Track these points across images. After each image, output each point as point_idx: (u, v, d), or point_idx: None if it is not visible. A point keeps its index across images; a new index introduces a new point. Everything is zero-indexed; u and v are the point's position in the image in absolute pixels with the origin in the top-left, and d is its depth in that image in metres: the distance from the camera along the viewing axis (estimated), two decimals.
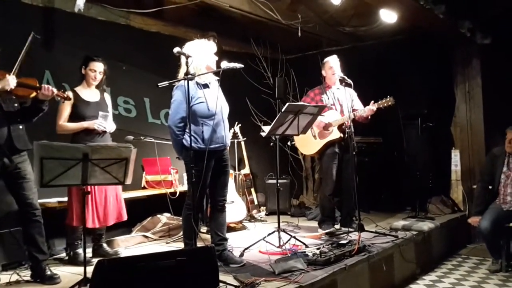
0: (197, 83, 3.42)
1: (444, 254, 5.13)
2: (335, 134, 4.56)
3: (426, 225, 4.76)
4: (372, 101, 4.48)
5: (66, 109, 3.77)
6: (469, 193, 5.77)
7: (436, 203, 5.67)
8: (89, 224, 3.73)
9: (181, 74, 3.38)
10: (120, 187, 3.97)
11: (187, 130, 3.28)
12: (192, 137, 3.20)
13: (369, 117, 4.56)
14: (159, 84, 3.14)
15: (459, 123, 6.04)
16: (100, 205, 3.81)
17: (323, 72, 4.73)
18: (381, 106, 4.46)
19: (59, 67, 4.44)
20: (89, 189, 2.70)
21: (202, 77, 3.42)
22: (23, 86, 3.19)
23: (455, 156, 5.96)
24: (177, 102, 3.37)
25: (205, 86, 3.47)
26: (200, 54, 3.41)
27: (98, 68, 3.93)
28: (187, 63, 3.17)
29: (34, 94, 3.24)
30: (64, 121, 3.75)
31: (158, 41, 5.52)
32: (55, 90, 3.29)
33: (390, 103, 4.45)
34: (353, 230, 4.48)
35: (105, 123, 3.89)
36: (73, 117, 3.79)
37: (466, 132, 5.96)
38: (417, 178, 5.60)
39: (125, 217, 4.01)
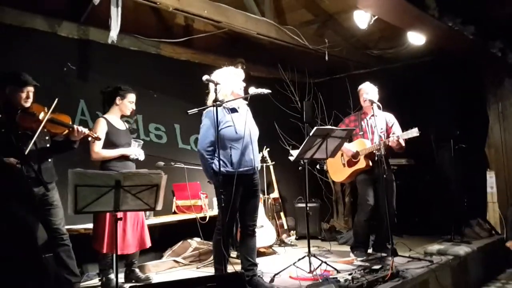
0: (225, 108, 3.48)
1: (482, 279, 4.92)
2: (361, 163, 4.52)
3: (462, 249, 4.61)
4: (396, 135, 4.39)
5: (101, 137, 3.86)
6: (506, 215, 5.57)
7: (472, 227, 5.48)
8: (120, 251, 3.78)
9: (209, 101, 3.45)
10: (143, 214, 4.04)
11: (216, 155, 3.32)
12: (221, 161, 3.24)
13: (403, 146, 4.44)
14: (189, 111, 3.22)
15: (493, 144, 5.89)
16: (129, 232, 3.85)
17: (360, 99, 4.70)
18: (406, 138, 4.37)
19: (93, 97, 4.60)
20: (120, 216, 2.74)
21: (230, 102, 3.47)
22: (57, 123, 3.34)
23: (490, 178, 5.79)
24: (205, 127, 3.43)
25: (233, 110, 3.52)
26: (228, 81, 3.48)
27: (134, 99, 4.09)
28: (215, 90, 3.24)
29: (66, 131, 3.38)
30: (100, 148, 3.85)
31: (188, 69, 5.66)
32: (86, 131, 3.44)
33: (414, 134, 4.25)
34: (386, 255, 4.38)
35: (140, 151, 4.01)
36: (107, 145, 3.88)
37: (501, 153, 5.82)
38: (451, 201, 5.46)
39: (148, 244, 4.04)
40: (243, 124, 3.44)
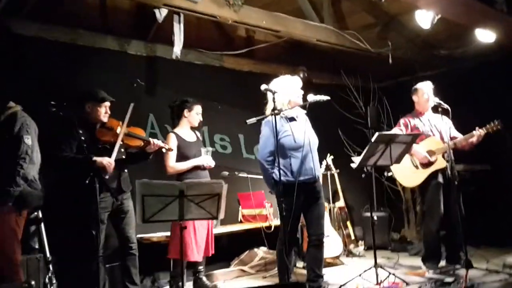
0: (284, 117, 3.49)
1: None
2: (441, 163, 4.28)
3: None
4: (477, 127, 4.19)
5: (174, 151, 4.01)
6: None
7: None
8: (190, 258, 3.89)
9: (268, 110, 3.47)
10: (211, 223, 4.13)
11: (276, 164, 3.33)
12: (281, 171, 3.25)
13: (477, 144, 4.25)
14: (247, 121, 3.27)
15: None
16: (199, 240, 3.95)
17: (415, 99, 4.54)
18: (489, 130, 4.15)
19: (161, 110, 4.79)
20: (186, 224, 2.83)
21: (289, 111, 3.48)
22: (133, 136, 3.56)
23: None
24: (265, 137, 3.46)
25: (292, 119, 3.52)
26: (285, 90, 3.49)
27: (200, 110, 4.25)
28: (273, 99, 3.27)
29: (142, 144, 3.57)
30: (174, 162, 4.01)
31: (250, 80, 5.74)
32: (161, 143, 3.64)
33: (498, 127, 4.13)
34: (460, 267, 4.14)
35: (210, 159, 4.13)
36: (180, 158, 4.03)
37: None
38: None
39: (212, 252, 4.11)
40: (302, 133, 3.43)
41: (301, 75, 6.09)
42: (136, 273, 3.66)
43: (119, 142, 3.39)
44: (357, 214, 6.33)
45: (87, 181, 3.11)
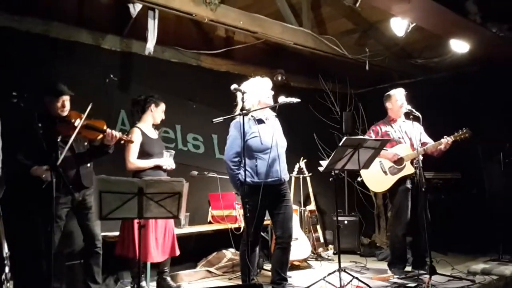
0: (253, 119, 3.48)
1: None
2: (409, 169, 4.33)
3: (508, 269, 4.30)
4: (445, 135, 4.25)
5: (136, 146, 3.94)
6: None
7: None
8: (151, 259, 3.85)
9: (237, 110, 3.46)
10: (173, 223, 4.08)
11: (242, 165, 3.32)
12: (247, 172, 3.23)
13: (445, 151, 4.30)
14: (214, 120, 3.24)
15: None
16: (160, 240, 3.89)
17: (388, 105, 4.58)
18: (457, 138, 4.21)
19: None
20: (144, 223, 2.79)
21: (258, 112, 3.47)
22: (91, 128, 3.44)
23: None
24: (232, 138, 3.45)
25: (260, 121, 3.51)
26: (255, 91, 3.48)
27: (164, 108, 4.19)
28: (242, 99, 3.25)
29: (100, 136, 3.48)
30: (135, 159, 3.94)
31: (228, 80, 5.60)
32: (119, 135, 3.50)
33: (466, 135, 4.19)
34: (424, 272, 4.18)
35: (172, 161, 4.08)
36: (141, 155, 3.96)
37: None
38: (500, 217, 5.13)
39: (178, 253, 4.05)
40: (270, 135, 3.42)
41: (279, 78, 6.11)
42: (98, 271, 3.59)
43: (73, 136, 3.28)
44: (329, 218, 6.36)
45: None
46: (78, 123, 3.36)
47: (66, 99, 3.46)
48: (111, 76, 4.75)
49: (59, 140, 3.34)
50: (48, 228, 3.01)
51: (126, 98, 4.79)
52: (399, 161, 4.37)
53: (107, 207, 2.63)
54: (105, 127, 3.48)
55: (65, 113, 3.46)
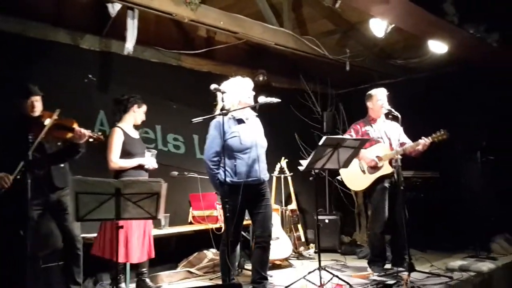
0: (233, 119, 3.48)
1: None
2: (386, 169, 4.38)
3: (485, 266, 4.39)
4: (423, 136, 4.31)
5: (118, 146, 3.91)
6: None
7: (500, 242, 5.22)
8: (128, 260, 3.82)
9: (217, 110, 3.45)
10: (150, 224, 4.05)
11: (221, 165, 3.31)
12: (226, 172, 3.23)
13: (423, 151, 4.36)
14: (193, 120, 3.24)
15: None
16: (135, 241, 3.84)
17: (369, 105, 4.62)
18: (435, 139, 4.27)
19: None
20: (122, 224, 2.76)
21: (238, 112, 3.47)
22: (60, 127, 3.39)
23: None
24: (211, 137, 3.44)
25: (240, 121, 3.51)
26: (236, 90, 3.48)
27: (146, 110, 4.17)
28: (222, 98, 3.25)
29: (70, 135, 3.42)
30: (117, 158, 3.89)
31: (209, 80, 5.57)
32: (87, 132, 3.44)
33: (444, 136, 4.24)
34: (403, 269, 4.23)
35: (154, 161, 4.05)
36: (123, 154, 3.92)
37: None
38: (478, 214, 5.23)
39: (153, 255, 4.01)
40: (250, 135, 3.43)
41: (261, 78, 6.12)
42: (79, 272, 3.55)
43: (41, 135, 3.23)
44: (310, 217, 6.39)
45: (18, 176, 2.98)
46: (48, 122, 3.32)
47: (36, 99, 3.42)
48: (90, 76, 4.70)
49: (30, 140, 3.29)
50: (20, 231, 2.95)
51: (105, 99, 4.77)
52: (376, 165, 4.41)
53: (84, 208, 2.60)
54: (74, 125, 3.42)
55: (36, 114, 3.42)
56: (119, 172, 3.87)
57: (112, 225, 3.61)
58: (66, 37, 4.57)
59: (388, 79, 6.58)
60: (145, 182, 2.72)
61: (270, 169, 5.41)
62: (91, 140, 3.49)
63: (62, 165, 3.52)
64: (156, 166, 4.07)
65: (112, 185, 2.61)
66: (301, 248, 5.58)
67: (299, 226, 5.74)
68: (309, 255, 5.57)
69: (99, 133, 3.52)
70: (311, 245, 5.84)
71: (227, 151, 3.35)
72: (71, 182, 2.56)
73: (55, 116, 3.33)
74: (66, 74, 4.44)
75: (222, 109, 3.29)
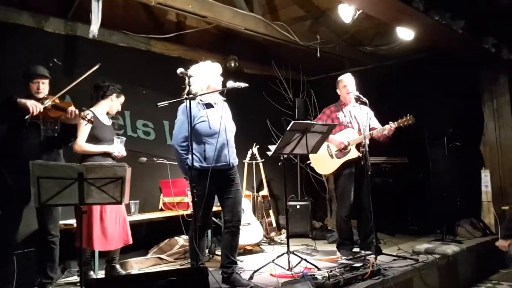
0: (202, 103, 3.45)
1: (473, 279, 4.82)
2: (353, 153, 4.45)
3: (450, 249, 4.52)
4: (390, 121, 4.38)
5: (87, 130, 3.83)
6: (501, 214, 5.45)
7: (465, 226, 5.37)
8: (102, 247, 3.78)
9: (184, 95, 3.41)
10: (125, 210, 4.02)
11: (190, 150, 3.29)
12: (195, 156, 3.20)
13: (391, 136, 4.43)
14: (158, 104, 3.19)
15: (488, 142, 5.78)
16: (110, 228, 3.81)
17: (338, 91, 4.67)
18: (400, 124, 4.34)
19: (79, 92, 4.57)
20: (86, 209, 2.72)
21: (206, 97, 3.44)
22: (56, 108, 3.40)
23: (485, 177, 5.67)
24: (179, 122, 3.41)
25: (209, 105, 3.49)
26: (204, 75, 3.44)
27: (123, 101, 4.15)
28: (189, 83, 3.21)
29: (64, 115, 3.42)
30: (83, 141, 3.82)
31: (179, 66, 5.50)
32: (78, 113, 3.45)
33: (410, 121, 4.33)
34: (371, 253, 4.31)
35: (123, 148, 3.99)
36: (91, 139, 3.85)
37: (496, 151, 5.70)
38: (444, 199, 5.37)
39: (131, 241, 4.00)
40: (219, 120, 3.40)
41: (232, 64, 6.09)
42: (52, 266, 3.49)
43: (40, 115, 3.28)
44: (282, 203, 6.43)
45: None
46: (47, 103, 3.32)
47: (41, 81, 3.45)
48: (55, 60, 4.57)
49: (26, 118, 3.26)
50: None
51: (71, 83, 4.64)
52: (345, 148, 4.46)
53: (46, 194, 2.54)
54: (70, 107, 3.42)
55: (41, 96, 3.43)
56: (85, 157, 3.80)
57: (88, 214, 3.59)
58: (30, 20, 4.44)
59: (358, 66, 6.64)
60: (109, 166, 2.67)
61: (242, 156, 5.43)
62: (82, 121, 3.51)
63: (54, 149, 3.48)
64: (124, 153, 4.01)
65: (75, 170, 2.56)
66: (273, 234, 5.62)
67: (271, 212, 5.77)
68: (281, 240, 5.62)
69: (89, 117, 3.53)
70: (283, 230, 5.89)
71: (196, 135, 3.33)
72: (32, 167, 2.49)
73: (56, 99, 3.40)
74: (30, 58, 4.29)
75: (188, 93, 3.24)
